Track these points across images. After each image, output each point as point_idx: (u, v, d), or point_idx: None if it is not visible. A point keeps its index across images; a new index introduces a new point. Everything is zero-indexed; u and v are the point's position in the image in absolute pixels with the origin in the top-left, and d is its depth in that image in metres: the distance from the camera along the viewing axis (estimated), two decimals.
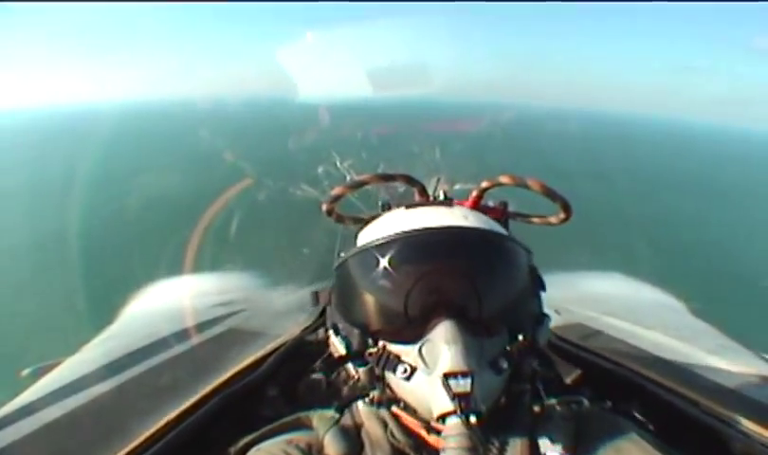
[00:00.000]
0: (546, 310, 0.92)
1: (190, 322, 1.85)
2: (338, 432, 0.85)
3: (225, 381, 1.26)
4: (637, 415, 1.10)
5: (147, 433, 1.00)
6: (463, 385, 0.69)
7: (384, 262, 0.80)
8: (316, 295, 1.07)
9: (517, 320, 0.83)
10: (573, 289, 2.39)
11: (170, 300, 2.38)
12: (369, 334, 0.83)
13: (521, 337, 0.81)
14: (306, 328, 1.72)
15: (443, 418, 0.68)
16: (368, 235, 0.88)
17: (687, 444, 0.73)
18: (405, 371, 0.77)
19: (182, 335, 1.70)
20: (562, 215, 1.11)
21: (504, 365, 0.77)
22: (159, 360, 1.39)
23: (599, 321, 1.82)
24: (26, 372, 1.72)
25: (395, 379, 0.78)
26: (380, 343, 0.82)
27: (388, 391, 0.82)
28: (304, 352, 1.52)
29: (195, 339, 1.62)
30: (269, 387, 1.30)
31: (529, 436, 0.82)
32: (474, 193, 1.37)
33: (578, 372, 1.31)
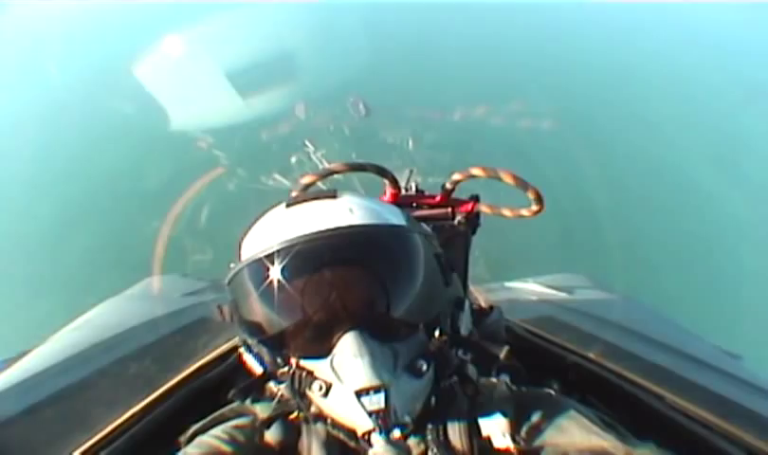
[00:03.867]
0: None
1: (159, 313, 1.81)
2: (279, 418, 0.85)
3: (193, 371, 1.25)
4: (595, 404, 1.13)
5: (113, 425, 0.98)
6: (377, 401, 0.66)
7: (273, 275, 0.72)
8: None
9: (430, 315, 0.78)
10: (535, 290, 2.43)
11: (142, 294, 2.31)
12: (276, 351, 0.78)
13: (437, 333, 0.77)
14: None
15: (367, 435, 0.68)
16: (252, 242, 0.79)
17: (651, 437, 0.76)
18: (320, 388, 0.72)
19: (151, 325, 1.67)
20: (535, 207, 1.11)
21: (424, 366, 0.74)
22: (127, 351, 1.37)
23: (570, 315, 1.86)
24: None
25: (314, 396, 0.75)
26: (292, 360, 0.76)
27: (313, 407, 0.80)
28: None
29: (165, 330, 1.59)
30: (239, 378, 1.29)
31: (468, 422, 0.80)
32: (446, 186, 1.39)
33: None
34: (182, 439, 0.88)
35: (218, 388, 1.24)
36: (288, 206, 0.81)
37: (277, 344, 0.76)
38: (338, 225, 0.73)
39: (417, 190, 1.46)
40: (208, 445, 0.81)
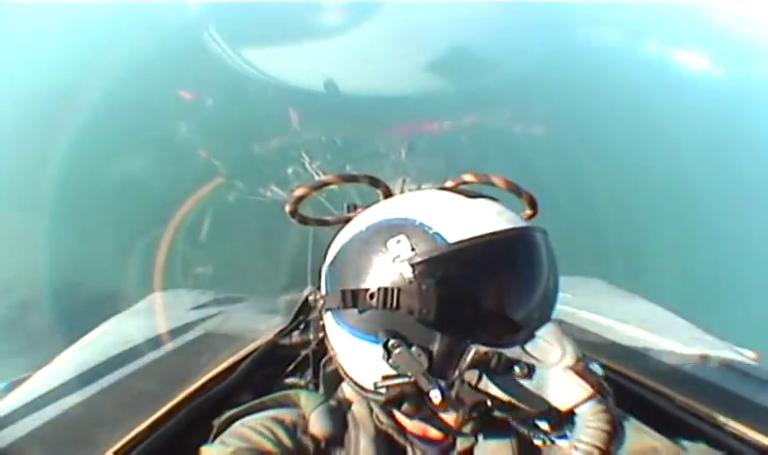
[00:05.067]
0: None
1: (164, 329, 1.82)
2: (325, 411, 0.84)
3: (197, 388, 1.25)
4: None
5: (117, 445, 0.99)
6: (596, 369, 0.69)
7: (516, 258, 0.75)
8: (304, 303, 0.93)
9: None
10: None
11: (147, 310, 2.33)
12: (469, 338, 0.72)
13: None
14: (281, 331, 1.72)
15: (571, 410, 0.67)
16: (452, 224, 0.75)
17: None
18: (523, 369, 0.70)
19: (155, 342, 1.68)
20: (529, 212, 1.13)
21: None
22: (131, 370, 1.38)
23: (574, 316, 1.86)
24: None
25: (503, 381, 0.72)
26: (474, 348, 0.71)
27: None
28: (279, 356, 1.52)
29: (169, 347, 1.60)
30: (244, 392, 1.30)
31: None
32: None
33: None
34: (215, 423, 0.88)
35: (222, 403, 1.25)
36: (469, 196, 0.82)
37: (480, 327, 0.73)
38: (529, 225, 0.78)
39: None
40: (243, 435, 0.81)
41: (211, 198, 6.81)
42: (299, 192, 1.11)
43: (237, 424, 0.85)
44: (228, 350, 1.56)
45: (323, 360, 1.19)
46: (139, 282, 5.43)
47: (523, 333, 0.72)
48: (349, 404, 0.89)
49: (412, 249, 0.73)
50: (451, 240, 0.72)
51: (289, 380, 1.34)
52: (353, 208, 1.10)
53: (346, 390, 0.92)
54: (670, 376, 1.25)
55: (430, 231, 0.74)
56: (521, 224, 0.77)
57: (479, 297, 0.71)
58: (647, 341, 1.62)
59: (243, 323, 2.04)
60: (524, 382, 0.70)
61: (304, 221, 1.15)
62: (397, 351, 0.72)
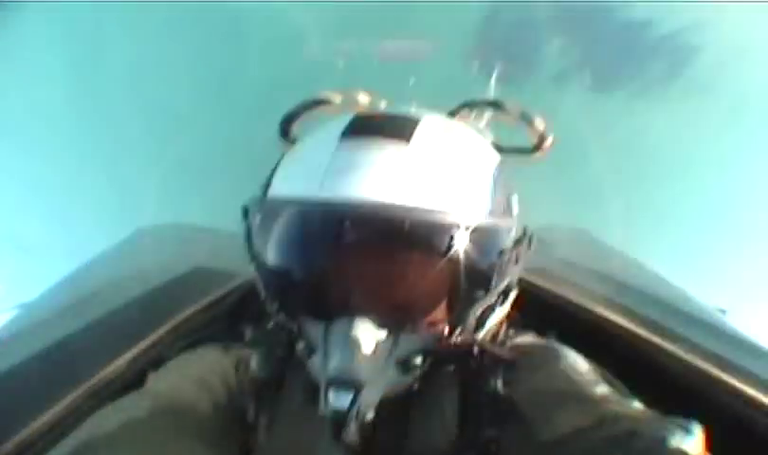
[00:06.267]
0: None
1: (151, 264, 1.77)
2: (267, 349, 0.81)
3: (183, 320, 1.22)
4: None
5: (98, 376, 0.96)
6: (341, 400, 0.60)
7: (309, 226, 0.67)
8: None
9: (455, 316, 0.68)
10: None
11: (133, 245, 2.27)
12: (283, 293, 0.72)
13: (459, 330, 0.68)
14: None
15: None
16: (293, 168, 0.72)
17: (651, 389, 0.72)
18: (304, 347, 0.69)
19: (141, 277, 1.63)
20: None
21: (418, 362, 0.67)
22: (114, 305, 1.33)
23: (567, 268, 1.78)
24: None
25: (297, 348, 0.72)
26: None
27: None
28: None
29: (156, 281, 1.55)
30: (244, 326, 1.27)
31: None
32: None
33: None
34: (167, 354, 0.90)
35: (209, 336, 1.22)
36: (345, 135, 0.68)
37: (287, 288, 0.71)
38: (393, 201, 0.60)
39: None
40: (187, 362, 0.82)
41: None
42: (291, 111, 1.00)
43: (184, 353, 0.84)
44: (218, 284, 1.52)
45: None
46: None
47: (322, 307, 0.67)
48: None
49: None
50: (271, 193, 0.72)
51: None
52: None
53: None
54: (656, 330, 1.18)
55: (272, 175, 0.74)
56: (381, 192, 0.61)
57: (268, 246, 0.71)
58: (633, 297, 1.53)
59: (233, 258, 1.98)
60: (302, 356, 0.71)
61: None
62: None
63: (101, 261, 1.94)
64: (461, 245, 0.63)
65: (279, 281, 0.71)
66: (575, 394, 0.67)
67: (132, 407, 0.69)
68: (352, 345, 0.61)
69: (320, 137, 0.73)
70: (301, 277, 0.69)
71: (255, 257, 0.74)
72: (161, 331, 1.15)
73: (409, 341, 0.66)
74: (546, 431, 0.63)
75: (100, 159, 6.78)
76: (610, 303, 1.26)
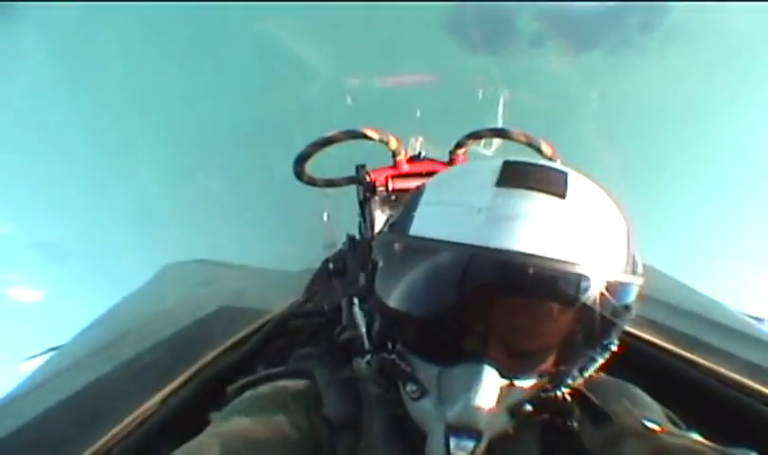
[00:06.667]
0: None
1: (176, 304, 1.82)
2: (338, 391, 0.79)
3: (209, 362, 1.24)
4: None
5: (127, 420, 0.98)
6: (463, 447, 0.60)
7: (456, 269, 0.63)
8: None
9: (572, 363, 0.69)
10: None
11: (160, 285, 2.34)
12: (396, 332, 0.71)
13: (565, 379, 0.69)
14: (294, 303, 1.70)
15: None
16: (440, 210, 0.69)
17: (688, 406, 0.70)
18: (415, 391, 0.67)
19: (168, 317, 1.67)
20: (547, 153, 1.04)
21: (528, 408, 0.67)
22: (143, 346, 1.36)
23: None
24: (24, 362, 1.71)
25: (401, 391, 0.70)
26: (398, 346, 0.70)
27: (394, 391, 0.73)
28: (292, 327, 1.49)
29: (183, 321, 1.59)
30: (256, 365, 1.28)
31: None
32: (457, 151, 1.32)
33: None
34: (229, 389, 0.84)
35: (233, 376, 1.23)
36: (500, 184, 0.65)
37: (416, 327, 0.69)
38: (554, 255, 0.60)
39: (423, 157, 1.40)
40: (255, 402, 0.77)
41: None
42: (303, 151, 1.04)
43: (248, 391, 0.80)
44: (243, 324, 1.55)
45: (338, 329, 1.16)
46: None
47: (441, 352, 0.66)
48: (363, 381, 0.83)
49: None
50: (417, 231, 0.67)
51: (303, 350, 1.31)
52: (362, 167, 1.03)
53: (359, 365, 0.86)
54: (688, 344, 1.15)
55: (413, 212, 0.69)
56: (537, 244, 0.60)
57: (401, 284, 0.67)
58: (661, 311, 1.50)
59: (258, 297, 2.03)
60: (408, 400, 0.69)
61: (312, 182, 1.10)
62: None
63: (131, 301, 2.00)
64: (604, 299, 0.62)
65: (408, 319, 0.69)
66: (636, 431, 0.68)
67: (202, 450, 0.67)
68: (477, 391, 0.61)
69: (471, 182, 0.70)
70: (440, 318, 0.66)
71: (378, 291, 0.70)
72: (190, 371, 1.18)
73: (521, 389, 0.66)
74: None
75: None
76: (642, 320, 1.24)
